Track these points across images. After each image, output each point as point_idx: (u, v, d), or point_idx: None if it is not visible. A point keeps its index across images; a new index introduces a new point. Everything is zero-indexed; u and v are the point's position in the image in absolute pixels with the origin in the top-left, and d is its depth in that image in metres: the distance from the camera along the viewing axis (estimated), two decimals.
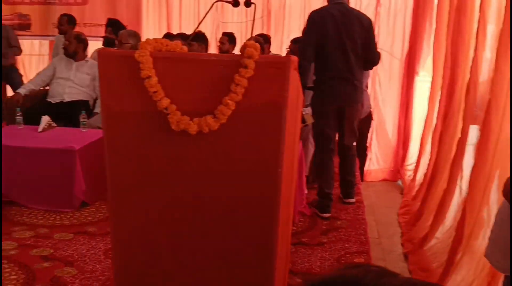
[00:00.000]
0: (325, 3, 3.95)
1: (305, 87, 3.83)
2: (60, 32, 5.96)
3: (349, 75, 3.82)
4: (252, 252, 1.97)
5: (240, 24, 6.31)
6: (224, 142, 1.81)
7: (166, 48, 1.85)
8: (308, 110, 4.21)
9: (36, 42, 6.98)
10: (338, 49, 3.77)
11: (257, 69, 1.68)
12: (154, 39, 1.82)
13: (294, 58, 1.75)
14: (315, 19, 3.80)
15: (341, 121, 3.95)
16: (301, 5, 6.40)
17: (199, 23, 2.40)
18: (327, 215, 3.91)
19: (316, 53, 3.78)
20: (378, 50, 4.12)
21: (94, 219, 3.70)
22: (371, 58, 3.97)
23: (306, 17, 6.34)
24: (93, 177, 3.85)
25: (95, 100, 5.03)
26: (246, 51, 1.66)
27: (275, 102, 1.71)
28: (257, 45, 1.67)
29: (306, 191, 4.12)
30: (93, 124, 4.46)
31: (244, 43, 1.72)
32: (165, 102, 1.76)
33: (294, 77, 1.77)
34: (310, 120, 3.91)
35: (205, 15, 2.22)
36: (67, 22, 5.93)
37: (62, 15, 6.04)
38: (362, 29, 3.82)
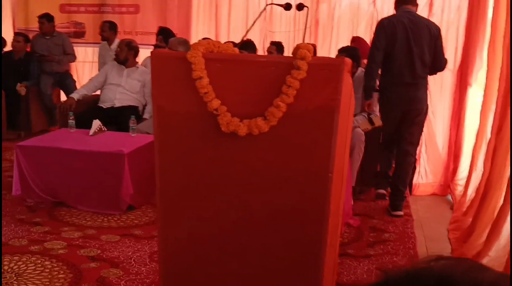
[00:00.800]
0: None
1: (373, 90, 3.97)
2: (103, 39, 6.14)
3: (413, 81, 3.91)
4: (299, 260, 1.93)
5: (288, 33, 6.29)
6: (274, 145, 1.78)
7: (217, 50, 1.85)
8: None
9: (89, 49, 7.18)
10: (405, 56, 3.87)
11: (310, 71, 1.66)
12: (206, 40, 1.82)
13: (348, 61, 1.71)
14: (385, 25, 3.91)
15: (404, 125, 4.01)
16: (350, 16, 6.34)
17: (248, 30, 2.40)
18: (383, 191, 4.21)
19: (383, 58, 3.92)
20: None
21: (140, 222, 3.74)
22: (438, 64, 4.06)
23: (355, 27, 6.35)
24: (141, 181, 3.90)
25: (144, 106, 5.12)
26: (299, 52, 1.64)
27: (327, 105, 1.68)
28: (310, 46, 1.65)
29: (352, 202, 4.03)
30: (142, 130, 4.53)
31: (297, 44, 1.69)
32: (216, 103, 1.76)
33: (347, 80, 1.73)
34: (378, 122, 3.99)
35: (256, 19, 2.22)
36: (108, 29, 6.09)
37: (104, 22, 6.22)
38: (430, 37, 3.91)
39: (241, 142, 1.79)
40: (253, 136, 1.75)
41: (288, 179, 1.81)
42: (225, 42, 5.72)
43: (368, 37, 5.86)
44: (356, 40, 5.61)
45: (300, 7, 2.09)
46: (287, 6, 2.10)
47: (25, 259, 3.08)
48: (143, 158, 3.91)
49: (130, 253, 3.21)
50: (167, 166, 1.94)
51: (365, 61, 5.65)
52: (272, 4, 2.22)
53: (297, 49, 1.67)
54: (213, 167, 1.89)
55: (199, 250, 2.08)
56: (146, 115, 4.99)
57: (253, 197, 1.88)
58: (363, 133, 4.20)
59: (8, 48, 6.46)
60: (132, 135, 4.32)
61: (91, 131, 4.29)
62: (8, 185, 4.28)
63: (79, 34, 7.08)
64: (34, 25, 6.62)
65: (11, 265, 2.99)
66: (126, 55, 5.10)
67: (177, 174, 1.94)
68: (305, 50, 1.63)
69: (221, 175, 1.89)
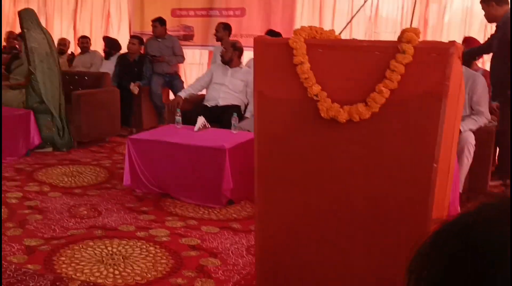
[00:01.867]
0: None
1: None
2: (217, 39, 6.35)
3: None
4: (398, 254, 1.84)
5: (393, 34, 6.11)
6: (375, 132, 1.73)
7: (320, 36, 1.83)
8: None
9: (197, 51, 7.50)
10: None
11: (416, 55, 1.59)
12: (309, 26, 1.81)
13: (459, 45, 1.61)
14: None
15: None
16: (462, 16, 6.03)
17: (347, 23, 2.36)
18: None
19: None
20: None
21: (239, 216, 3.81)
22: None
23: (468, 28, 6.02)
24: (241, 176, 3.98)
25: (246, 106, 5.23)
26: (405, 35, 1.57)
27: (434, 90, 1.59)
28: (418, 29, 1.57)
29: (459, 209, 3.80)
30: (243, 128, 4.63)
31: (403, 29, 1.63)
32: (316, 88, 1.74)
33: (457, 66, 1.63)
34: None
35: (361, 6, 2.16)
36: (222, 29, 6.32)
37: (219, 23, 6.46)
38: None
39: (341, 129, 1.75)
40: (354, 123, 1.71)
41: (390, 168, 1.74)
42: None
43: (481, 38, 5.54)
44: (468, 40, 5.32)
45: None
46: None
47: (132, 243, 3.26)
48: (244, 155, 3.98)
49: (228, 245, 3.28)
50: (266, 153, 1.95)
51: (476, 62, 5.35)
52: None
53: (403, 32, 1.60)
54: (312, 154, 1.87)
55: (296, 243, 2.06)
56: (247, 114, 5.09)
57: (353, 187, 1.83)
58: (472, 135, 3.96)
59: (124, 50, 6.91)
60: (234, 132, 4.42)
61: (196, 127, 4.45)
62: (119, 176, 4.58)
63: (188, 37, 7.41)
64: (148, 29, 7.03)
65: (120, 248, 3.18)
66: (231, 56, 5.24)
67: (275, 161, 1.95)
68: (411, 33, 1.56)
69: (320, 163, 1.87)
